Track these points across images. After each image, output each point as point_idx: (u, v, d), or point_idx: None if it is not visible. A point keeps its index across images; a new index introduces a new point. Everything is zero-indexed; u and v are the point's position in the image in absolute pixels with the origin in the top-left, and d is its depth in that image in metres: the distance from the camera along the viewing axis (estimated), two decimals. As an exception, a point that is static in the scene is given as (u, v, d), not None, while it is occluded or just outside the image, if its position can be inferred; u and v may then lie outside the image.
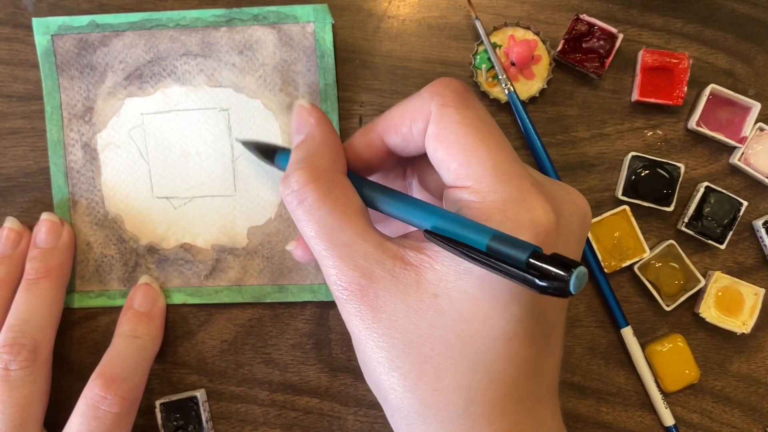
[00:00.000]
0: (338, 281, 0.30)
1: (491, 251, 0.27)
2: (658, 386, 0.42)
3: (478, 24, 0.41)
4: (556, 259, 0.26)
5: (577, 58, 0.41)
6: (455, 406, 0.30)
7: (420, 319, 0.29)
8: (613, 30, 0.41)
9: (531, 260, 0.26)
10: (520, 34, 0.42)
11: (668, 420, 0.42)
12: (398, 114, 0.32)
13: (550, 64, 0.41)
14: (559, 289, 0.26)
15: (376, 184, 0.33)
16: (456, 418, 0.30)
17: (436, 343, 0.29)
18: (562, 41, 0.41)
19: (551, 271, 0.25)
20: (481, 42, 0.41)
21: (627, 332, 0.42)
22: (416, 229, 0.33)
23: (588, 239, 0.41)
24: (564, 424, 0.34)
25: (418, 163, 0.36)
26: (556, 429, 0.33)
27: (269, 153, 0.38)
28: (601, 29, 0.41)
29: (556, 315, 0.32)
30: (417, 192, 0.37)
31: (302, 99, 0.34)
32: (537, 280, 0.26)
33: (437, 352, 0.29)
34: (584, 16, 0.41)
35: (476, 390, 0.30)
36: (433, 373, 0.30)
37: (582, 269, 0.25)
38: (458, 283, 0.29)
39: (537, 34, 0.42)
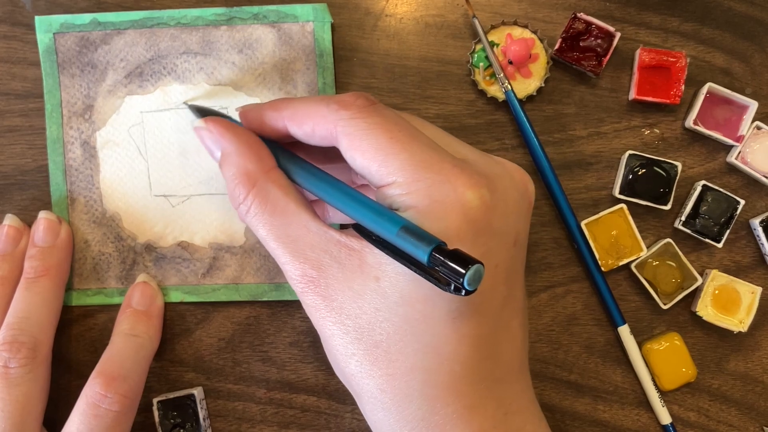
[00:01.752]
0: (292, 275, 0.31)
1: (400, 245, 0.28)
2: (655, 384, 0.42)
3: (475, 22, 0.41)
4: (454, 256, 0.26)
5: (575, 56, 0.41)
6: (410, 389, 0.30)
7: (366, 303, 0.30)
8: (611, 29, 0.41)
9: (432, 258, 0.26)
10: (518, 32, 0.42)
11: (665, 418, 0.42)
12: (303, 111, 0.33)
13: (548, 63, 0.42)
14: (458, 288, 0.26)
15: (307, 166, 0.34)
16: (412, 401, 0.30)
17: (384, 327, 0.30)
18: (560, 40, 0.41)
19: (449, 266, 0.26)
20: (479, 40, 0.41)
21: (624, 330, 0.42)
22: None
23: (585, 237, 0.41)
24: (541, 408, 0.34)
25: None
26: (526, 408, 0.33)
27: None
28: (599, 28, 0.41)
29: (505, 291, 0.32)
30: None
31: (196, 121, 0.35)
32: (444, 283, 0.27)
33: (386, 336, 0.30)
34: (582, 15, 0.41)
35: (429, 372, 0.30)
36: (385, 357, 0.30)
37: (476, 268, 0.26)
38: (395, 265, 0.30)
39: (534, 32, 0.42)
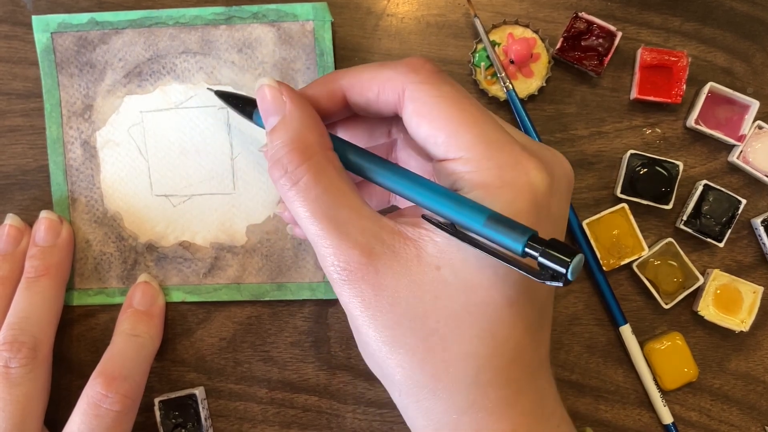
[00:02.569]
0: (336, 261, 0.30)
1: (488, 235, 0.27)
2: (657, 384, 0.42)
3: (477, 22, 0.41)
4: (554, 246, 0.26)
5: (576, 56, 0.41)
6: (465, 376, 0.30)
7: (424, 292, 0.29)
8: (612, 28, 0.41)
9: (528, 247, 0.26)
10: (519, 32, 0.42)
11: (667, 418, 0.42)
12: (368, 77, 0.32)
13: (549, 62, 0.42)
14: (557, 278, 0.26)
15: (366, 153, 0.32)
16: (465, 387, 0.30)
17: (442, 314, 0.29)
18: (561, 39, 0.41)
19: (551, 256, 0.25)
20: (480, 40, 0.41)
21: (625, 330, 0.42)
22: (409, 205, 0.33)
23: (587, 237, 0.41)
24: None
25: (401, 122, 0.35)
26: (554, 396, 0.33)
27: (245, 105, 0.36)
28: (600, 27, 0.41)
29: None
30: (402, 150, 0.36)
31: (264, 77, 0.33)
32: (536, 272, 0.26)
33: (443, 324, 0.29)
34: (583, 14, 0.41)
35: (483, 357, 0.30)
36: (440, 344, 0.29)
37: (579, 257, 0.25)
38: (460, 254, 0.29)
39: (536, 32, 0.42)
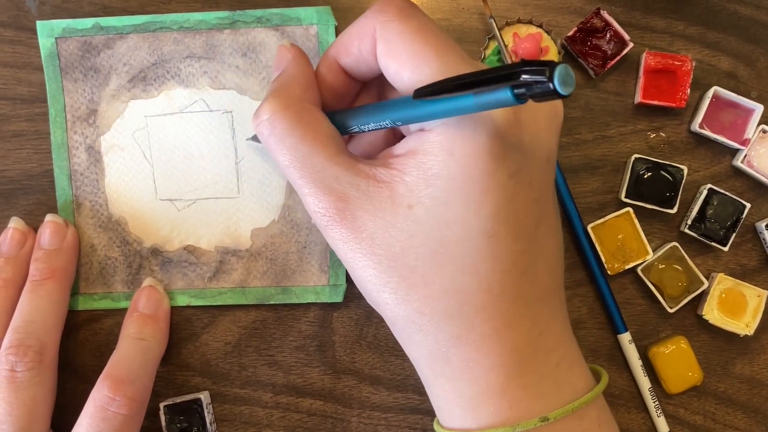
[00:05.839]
0: (316, 208, 0.31)
1: (479, 103, 0.26)
2: (657, 394, 0.42)
3: (492, 23, 0.40)
4: (531, 63, 0.24)
5: (584, 50, 0.41)
6: (448, 309, 0.30)
7: (399, 231, 0.30)
8: (626, 37, 0.41)
9: (516, 88, 0.24)
10: (523, 30, 0.41)
11: (663, 428, 0.42)
12: (347, 35, 0.33)
13: (559, 53, 0.41)
14: (547, 95, 0.24)
15: (346, 110, 0.34)
16: (450, 321, 0.30)
17: (420, 251, 0.30)
18: (575, 28, 0.41)
19: (533, 75, 0.23)
20: (487, 46, 0.41)
21: (624, 338, 0.42)
22: (384, 151, 0.33)
23: (591, 241, 0.41)
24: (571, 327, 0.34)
25: (390, 88, 0.35)
26: (559, 331, 0.33)
27: None
28: (615, 32, 0.41)
29: (538, 210, 0.32)
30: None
31: (283, 40, 0.35)
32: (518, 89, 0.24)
33: (421, 261, 0.30)
34: (604, 13, 0.41)
35: (466, 292, 0.30)
36: (421, 281, 0.30)
37: (563, 66, 0.23)
38: (428, 191, 0.29)
39: (539, 26, 0.41)
